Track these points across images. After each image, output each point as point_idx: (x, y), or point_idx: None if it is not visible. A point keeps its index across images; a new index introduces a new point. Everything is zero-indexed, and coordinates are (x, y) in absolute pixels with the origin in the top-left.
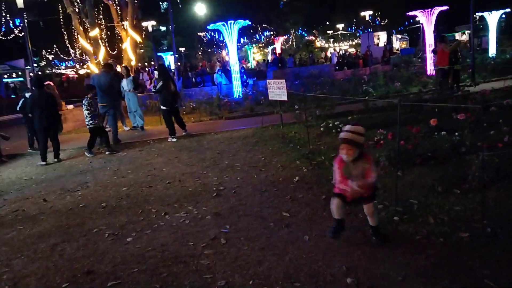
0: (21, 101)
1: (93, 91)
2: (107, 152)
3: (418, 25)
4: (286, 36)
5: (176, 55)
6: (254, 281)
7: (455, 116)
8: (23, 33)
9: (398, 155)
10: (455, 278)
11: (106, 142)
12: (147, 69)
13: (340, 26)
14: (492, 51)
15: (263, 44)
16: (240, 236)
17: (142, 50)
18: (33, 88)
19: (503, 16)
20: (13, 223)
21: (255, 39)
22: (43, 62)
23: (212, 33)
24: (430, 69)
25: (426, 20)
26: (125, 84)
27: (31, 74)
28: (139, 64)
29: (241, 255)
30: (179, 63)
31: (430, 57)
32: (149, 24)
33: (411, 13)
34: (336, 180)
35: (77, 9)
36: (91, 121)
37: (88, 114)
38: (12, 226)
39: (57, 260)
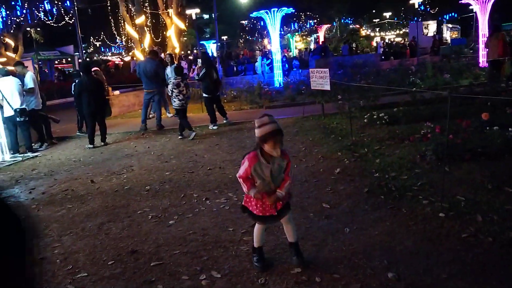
0: (73, 85)
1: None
2: (180, 137)
3: (471, 14)
4: (330, 24)
5: (219, 43)
6: (293, 270)
7: (509, 111)
8: (73, 20)
9: (446, 149)
10: (504, 279)
11: (182, 127)
12: (190, 57)
13: (387, 14)
14: None
15: (306, 33)
16: (279, 224)
17: (186, 38)
18: (82, 73)
19: None
20: (63, 202)
21: (298, 27)
22: (91, 49)
23: (255, 21)
24: (483, 60)
25: (481, 8)
26: (169, 71)
27: (79, 60)
28: (182, 52)
29: (279, 243)
30: (220, 51)
31: (482, 48)
32: (193, 12)
33: (464, 1)
34: (241, 178)
35: None
36: (179, 102)
37: (177, 94)
38: (62, 204)
39: (103, 239)
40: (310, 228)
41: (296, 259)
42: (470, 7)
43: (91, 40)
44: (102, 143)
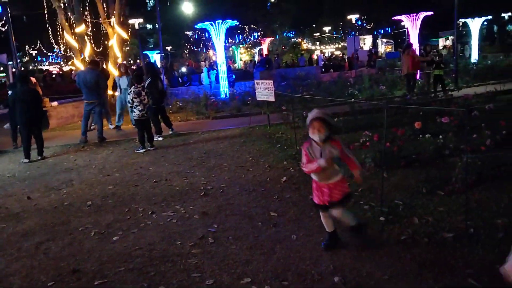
0: (9, 96)
1: (144, 80)
2: (150, 148)
3: (403, 30)
4: (274, 37)
5: (163, 54)
6: (243, 280)
7: (439, 120)
8: (6, 27)
9: (384, 157)
10: (439, 277)
11: (150, 137)
12: (133, 67)
13: (326, 29)
14: (474, 56)
15: (250, 45)
16: (228, 235)
17: (128, 48)
18: (18, 83)
19: (485, 23)
20: None
21: (242, 39)
22: (26, 58)
23: (200, 32)
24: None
25: (411, 24)
26: (123, 82)
27: (13, 70)
28: (125, 62)
29: (229, 254)
30: (164, 61)
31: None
32: (136, 22)
33: (396, 18)
34: (304, 164)
35: (62, 5)
36: (139, 112)
37: (137, 104)
38: None
39: (42, 259)
40: (259, 237)
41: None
42: (402, 23)
43: (26, 49)
44: (39, 157)
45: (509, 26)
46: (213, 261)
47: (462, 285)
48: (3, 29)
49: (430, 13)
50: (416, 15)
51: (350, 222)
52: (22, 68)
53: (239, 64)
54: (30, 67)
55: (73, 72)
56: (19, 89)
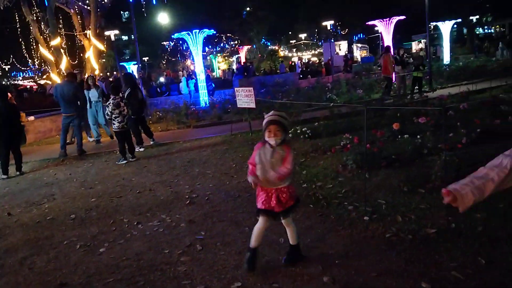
0: None
1: (121, 92)
2: (132, 159)
3: (377, 34)
4: (251, 46)
5: (140, 65)
6: (233, 285)
7: (416, 120)
8: None
9: (365, 158)
10: (425, 271)
11: (131, 148)
12: (110, 79)
13: (302, 35)
14: (446, 58)
15: (228, 53)
16: (216, 241)
17: (104, 60)
18: None
19: (455, 26)
20: None
21: (219, 48)
22: None
23: (177, 42)
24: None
25: (385, 29)
26: (93, 94)
27: None
28: (101, 74)
29: (218, 260)
30: (142, 72)
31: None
32: (112, 33)
33: (370, 23)
34: (250, 164)
35: (36, 18)
36: (119, 124)
37: (116, 116)
38: None
39: (27, 274)
40: (247, 242)
41: (285, 260)
42: (376, 28)
43: None
44: (18, 173)
45: (477, 28)
46: (203, 268)
47: (447, 278)
48: None
49: (402, 17)
50: (389, 20)
51: (293, 237)
52: None
53: (217, 73)
54: (3, 82)
55: (48, 86)
56: None
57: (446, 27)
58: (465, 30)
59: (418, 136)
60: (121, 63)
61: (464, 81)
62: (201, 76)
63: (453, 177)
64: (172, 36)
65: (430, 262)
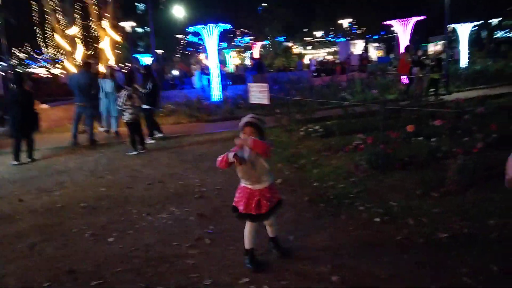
0: None
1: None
2: (142, 151)
3: (393, 34)
4: (265, 42)
5: (155, 57)
6: (241, 280)
7: (431, 123)
8: None
9: (380, 159)
10: (436, 276)
11: (141, 140)
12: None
13: (318, 33)
14: (463, 61)
15: (242, 49)
16: (225, 236)
17: (119, 51)
18: (14, 85)
19: (475, 27)
20: None
21: (234, 43)
22: (15, 61)
23: (192, 36)
24: (404, 77)
25: (402, 29)
26: (108, 86)
27: (1, 73)
28: (112, 65)
29: (226, 254)
30: (156, 64)
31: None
32: (128, 25)
33: (387, 22)
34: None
35: (54, 7)
36: (130, 116)
37: (129, 107)
38: None
39: (36, 260)
40: (257, 238)
41: (276, 251)
42: (392, 28)
43: (12, 51)
44: (29, 160)
45: (496, 32)
46: (211, 262)
47: (458, 284)
48: None
49: (422, 17)
50: (407, 20)
51: (274, 231)
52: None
53: (230, 68)
54: (17, 70)
55: (63, 75)
56: (17, 91)
57: (464, 30)
58: (483, 34)
59: (433, 139)
60: (134, 55)
61: (481, 85)
62: (215, 71)
63: (468, 182)
64: (187, 29)
65: (441, 267)
